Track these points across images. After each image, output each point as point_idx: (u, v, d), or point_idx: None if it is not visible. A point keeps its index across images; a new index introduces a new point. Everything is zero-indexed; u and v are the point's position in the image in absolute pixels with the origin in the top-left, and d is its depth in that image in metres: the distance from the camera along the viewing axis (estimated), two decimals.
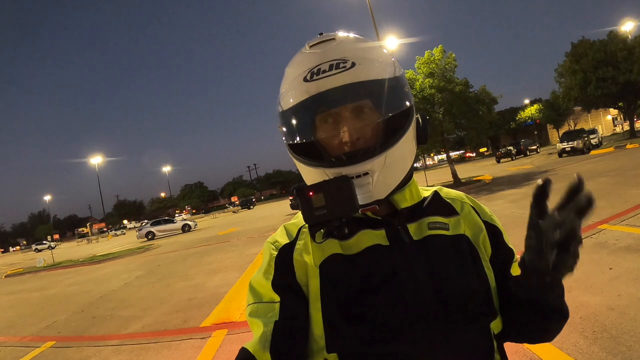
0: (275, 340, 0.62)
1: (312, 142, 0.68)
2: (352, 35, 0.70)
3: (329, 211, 0.58)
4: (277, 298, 0.66)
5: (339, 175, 0.61)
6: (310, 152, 0.69)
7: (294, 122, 0.68)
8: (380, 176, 0.64)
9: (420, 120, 0.72)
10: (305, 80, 0.63)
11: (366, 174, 0.62)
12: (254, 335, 0.64)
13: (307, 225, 0.71)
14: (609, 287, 3.29)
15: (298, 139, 0.68)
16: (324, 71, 0.62)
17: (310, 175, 0.67)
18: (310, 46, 0.67)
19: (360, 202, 0.61)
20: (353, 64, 0.62)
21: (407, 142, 0.67)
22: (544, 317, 0.65)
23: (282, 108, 0.69)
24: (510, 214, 7.28)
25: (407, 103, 0.68)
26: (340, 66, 0.62)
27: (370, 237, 0.67)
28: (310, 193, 0.59)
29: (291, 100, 0.66)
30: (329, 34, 0.69)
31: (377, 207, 0.66)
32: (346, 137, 0.64)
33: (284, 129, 0.70)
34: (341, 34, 0.69)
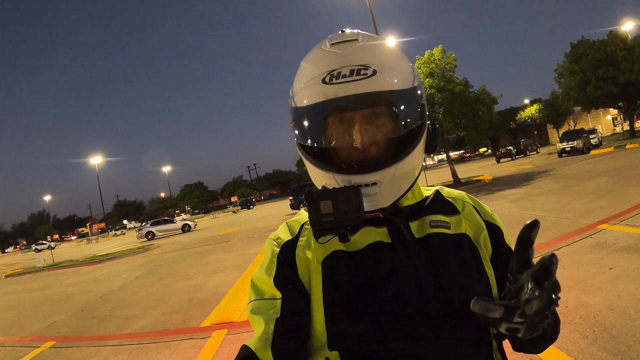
0: (276, 337, 0.62)
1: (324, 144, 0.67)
2: (374, 36, 0.68)
3: (336, 219, 0.58)
4: (278, 295, 0.66)
5: (349, 185, 0.61)
6: (320, 153, 0.68)
7: (306, 122, 0.67)
8: (387, 186, 0.64)
9: (431, 129, 0.70)
10: (324, 82, 0.61)
11: (374, 183, 0.62)
12: (255, 333, 0.65)
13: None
14: (609, 287, 3.29)
15: (310, 141, 0.67)
16: (344, 75, 0.60)
17: (319, 176, 0.67)
18: (332, 44, 0.65)
19: (365, 209, 0.61)
20: (374, 72, 0.61)
21: (417, 154, 0.67)
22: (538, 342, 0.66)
23: (296, 104, 0.67)
24: (510, 214, 7.24)
25: (422, 116, 0.67)
26: (362, 73, 0.60)
27: (373, 235, 0.67)
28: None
29: (306, 100, 0.65)
30: (351, 32, 0.67)
31: (380, 214, 0.67)
32: (358, 144, 0.62)
33: (296, 127, 0.69)
34: (363, 33, 0.67)
